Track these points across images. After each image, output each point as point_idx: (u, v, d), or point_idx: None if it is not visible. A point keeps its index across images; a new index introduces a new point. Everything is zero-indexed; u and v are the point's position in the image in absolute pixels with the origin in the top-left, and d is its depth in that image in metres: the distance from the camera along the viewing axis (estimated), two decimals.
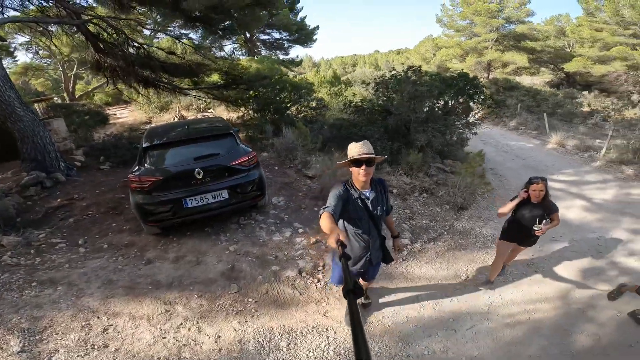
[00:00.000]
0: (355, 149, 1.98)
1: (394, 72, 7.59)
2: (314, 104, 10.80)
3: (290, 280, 3.24)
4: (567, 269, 3.70)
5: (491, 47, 18.72)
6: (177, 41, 8.80)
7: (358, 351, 0.64)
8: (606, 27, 16.60)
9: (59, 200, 5.07)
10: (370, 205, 2.13)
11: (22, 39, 15.13)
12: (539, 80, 23.02)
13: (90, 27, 6.78)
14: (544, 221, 2.79)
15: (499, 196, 5.92)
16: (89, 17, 6.54)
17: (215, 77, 9.84)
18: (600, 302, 3.15)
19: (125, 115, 15.40)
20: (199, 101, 13.04)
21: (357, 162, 1.98)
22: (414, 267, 3.66)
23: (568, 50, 21.02)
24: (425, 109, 7.23)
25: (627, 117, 14.02)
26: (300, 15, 17.11)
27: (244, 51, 19.03)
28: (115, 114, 15.59)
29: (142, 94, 9.84)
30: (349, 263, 1.12)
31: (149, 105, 14.04)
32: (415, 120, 7.04)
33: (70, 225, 4.37)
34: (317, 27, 16.05)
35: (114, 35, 6.95)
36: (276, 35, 17.71)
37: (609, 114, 14.81)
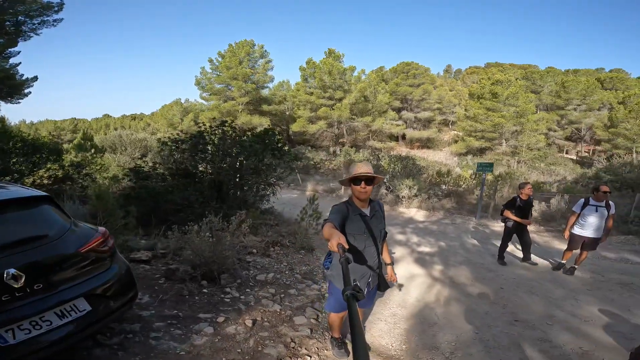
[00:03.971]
0: (356, 168, 2.23)
1: (202, 128, 7.46)
2: (61, 172, 7.94)
3: None
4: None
5: (242, 111, 22.06)
6: None
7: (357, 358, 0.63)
8: (315, 91, 23.98)
9: None
10: (369, 222, 2.30)
11: None
12: None
13: None
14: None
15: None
16: None
17: None
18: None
19: None
20: None
21: (357, 180, 2.21)
22: None
23: (287, 113, 28.34)
24: (236, 165, 7.60)
25: (337, 164, 21.00)
26: (14, 60, 11.91)
27: None
28: None
29: None
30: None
31: None
32: (233, 178, 7.29)
33: None
34: (35, 77, 11.62)
35: None
36: None
37: (324, 164, 21.53)
